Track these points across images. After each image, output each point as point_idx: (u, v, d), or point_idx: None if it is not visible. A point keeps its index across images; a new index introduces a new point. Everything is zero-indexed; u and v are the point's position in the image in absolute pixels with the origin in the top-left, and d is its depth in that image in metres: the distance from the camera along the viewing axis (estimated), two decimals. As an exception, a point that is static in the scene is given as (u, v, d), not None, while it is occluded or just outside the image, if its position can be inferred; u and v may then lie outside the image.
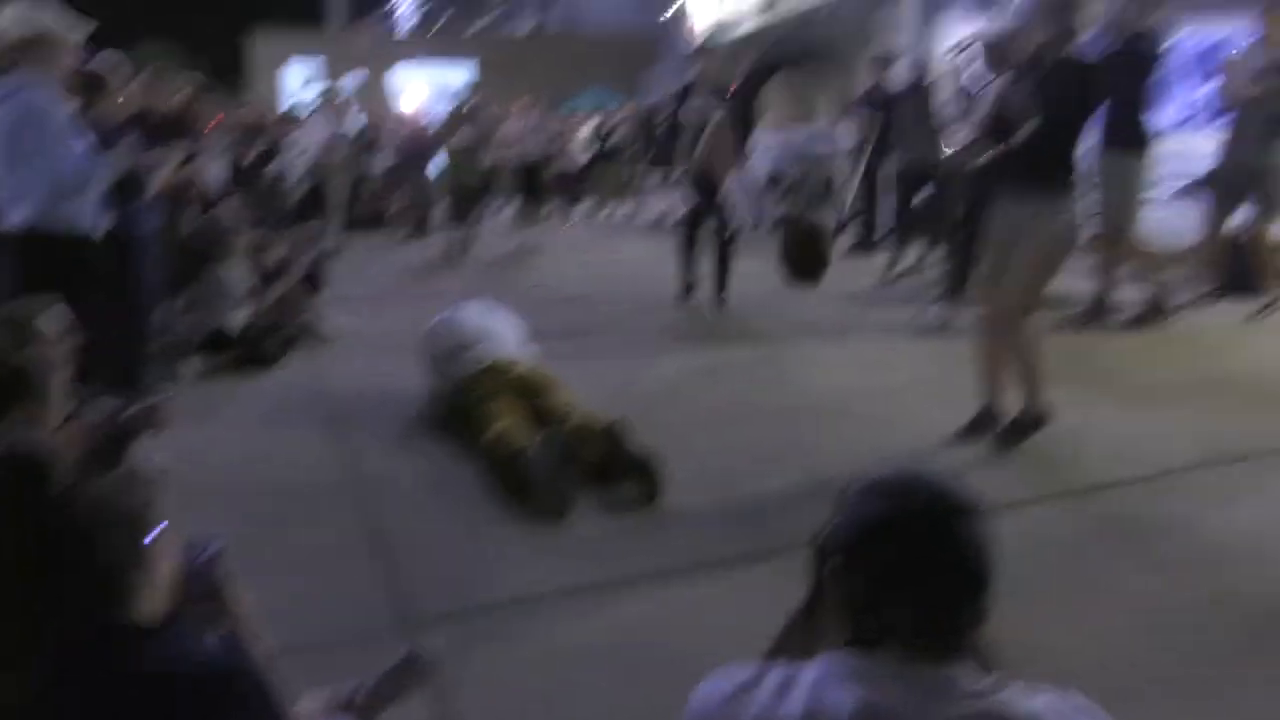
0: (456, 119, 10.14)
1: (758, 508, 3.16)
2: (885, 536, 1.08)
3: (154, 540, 1.38)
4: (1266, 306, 5.91)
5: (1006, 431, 3.55)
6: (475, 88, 10.43)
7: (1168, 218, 7.77)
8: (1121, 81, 5.29)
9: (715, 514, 3.09)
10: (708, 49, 7.40)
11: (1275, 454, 3.52)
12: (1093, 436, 3.34)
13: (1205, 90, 12.70)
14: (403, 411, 4.20)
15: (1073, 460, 3.44)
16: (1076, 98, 3.48)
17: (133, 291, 4.18)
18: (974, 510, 1.10)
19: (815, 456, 3.63)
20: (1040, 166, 3.47)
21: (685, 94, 6.98)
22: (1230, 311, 6.00)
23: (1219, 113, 6.45)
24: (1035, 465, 3.49)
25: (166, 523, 1.41)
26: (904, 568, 1.06)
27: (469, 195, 9.74)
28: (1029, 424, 3.53)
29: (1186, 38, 12.16)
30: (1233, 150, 5.96)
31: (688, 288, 6.90)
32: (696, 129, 6.75)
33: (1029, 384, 3.54)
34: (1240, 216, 6.15)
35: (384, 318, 6.37)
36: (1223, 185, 6.11)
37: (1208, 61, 11.84)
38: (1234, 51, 6.28)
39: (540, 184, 10.87)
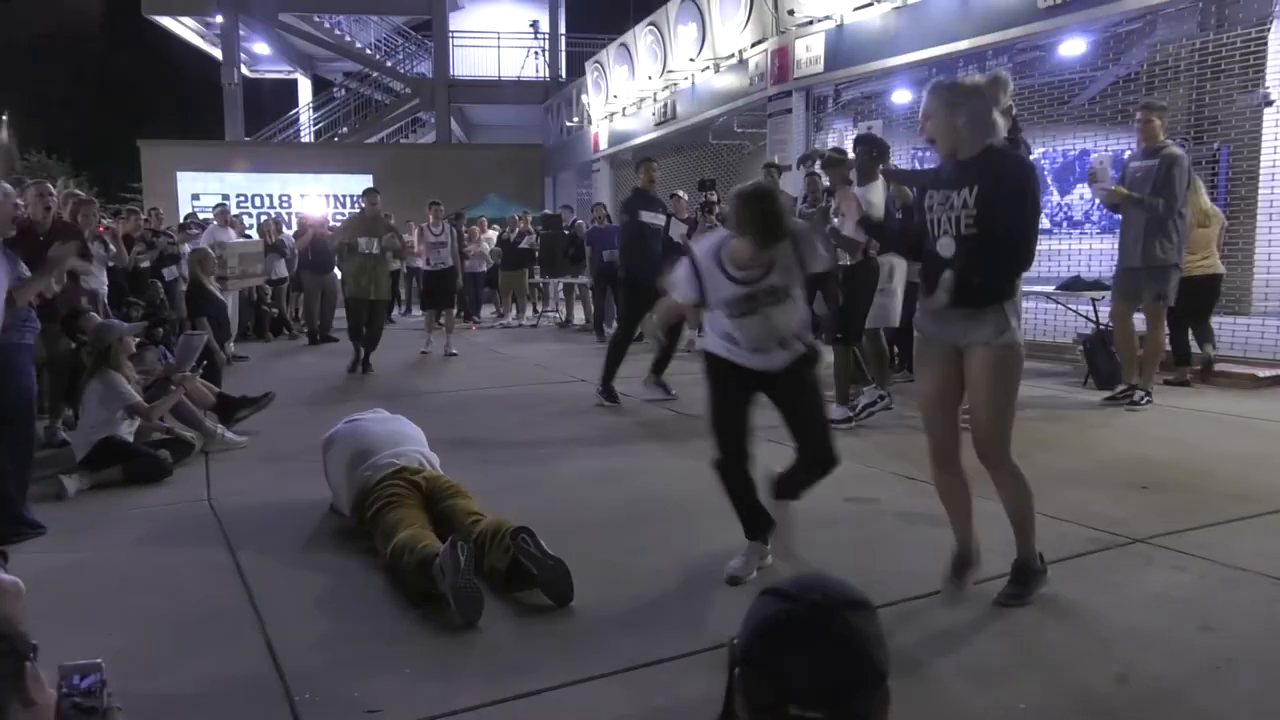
0: (357, 224, 9.44)
1: (668, 608, 3.13)
2: (779, 637, 1.10)
3: (31, 664, 1.29)
4: (1124, 393, 6.26)
5: (1015, 592, 3.06)
6: (373, 193, 9.46)
7: (1043, 315, 8.24)
8: None
9: (626, 617, 3.05)
10: (646, 159, 7.88)
11: (1155, 538, 3.68)
12: (998, 521, 3.41)
13: (1067, 199, 13.68)
14: (302, 524, 4.08)
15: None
16: (1034, 198, 2.98)
17: (11, 404, 3.99)
18: (866, 606, 1.13)
19: (724, 554, 3.63)
20: (995, 278, 2.97)
21: (635, 202, 7.40)
22: (1095, 400, 6.36)
23: (1106, 215, 6.88)
24: (928, 558, 3.57)
25: (38, 645, 1.33)
26: (799, 667, 1.07)
27: (371, 302, 9.19)
28: (1037, 571, 3.11)
29: (1045, 154, 13.16)
30: (1121, 250, 6.35)
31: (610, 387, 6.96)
32: (653, 234, 7.22)
33: (1027, 528, 3.11)
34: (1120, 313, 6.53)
35: (282, 427, 6.20)
36: (1119, 284, 6.48)
37: (1064, 175, 12.76)
38: (1096, 157, 6.75)
39: (446, 290, 10.82)
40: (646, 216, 7.32)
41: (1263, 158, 8.77)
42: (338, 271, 11.02)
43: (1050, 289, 7.93)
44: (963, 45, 10.07)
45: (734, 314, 3.30)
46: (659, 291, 3.78)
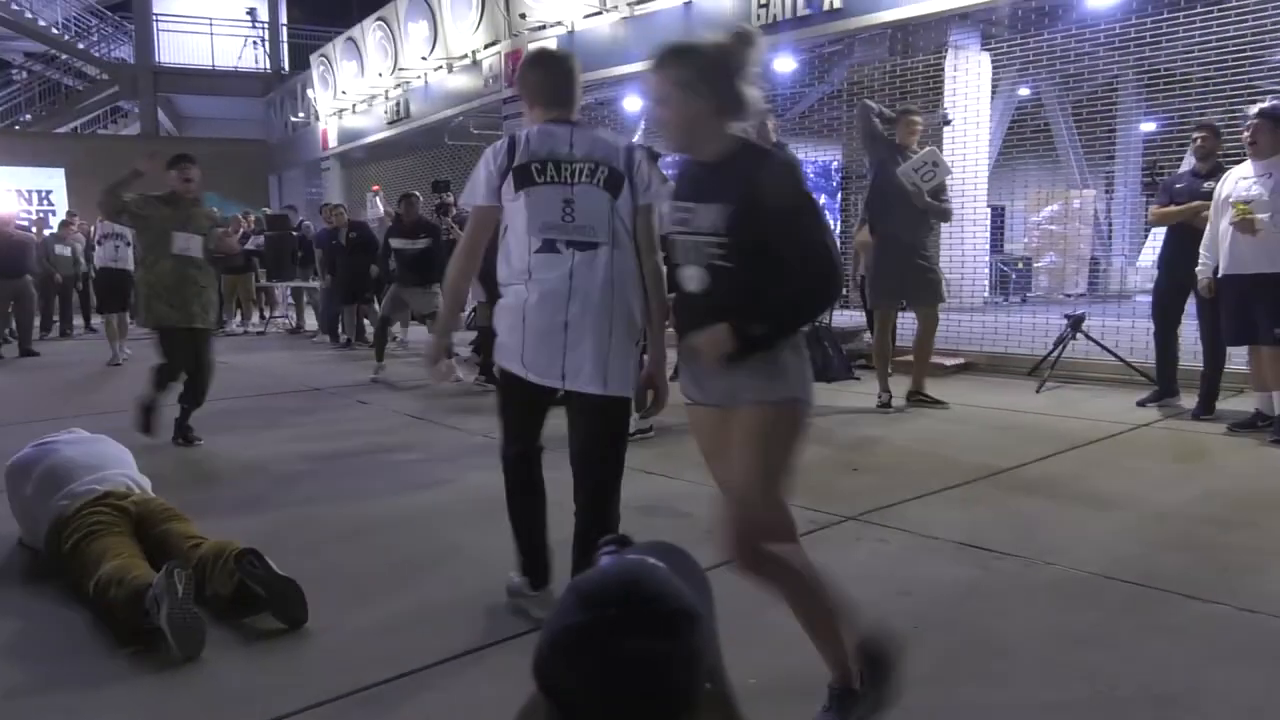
0: (155, 210, 5.96)
1: (414, 620, 3.04)
2: (564, 653, 0.98)
3: None
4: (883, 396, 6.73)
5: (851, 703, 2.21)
6: (188, 164, 5.86)
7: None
8: None
9: (367, 634, 2.94)
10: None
11: (863, 515, 4.05)
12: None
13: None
14: (-18, 563, 3.58)
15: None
16: (812, 207, 2.18)
17: None
18: (680, 618, 1.00)
19: (471, 558, 3.59)
20: (781, 320, 2.14)
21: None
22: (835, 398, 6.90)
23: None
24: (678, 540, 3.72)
25: None
26: (583, 691, 0.96)
27: (194, 331, 5.78)
28: (860, 693, 2.21)
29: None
30: (897, 248, 6.50)
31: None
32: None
33: (828, 631, 2.23)
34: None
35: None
36: (891, 285, 6.63)
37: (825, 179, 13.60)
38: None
39: (125, 291, 9.98)
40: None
41: (943, 171, 9.87)
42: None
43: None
44: (687, 57, 10.57)
45: None
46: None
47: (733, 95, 2.12)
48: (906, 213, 6.39)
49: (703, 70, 2.13)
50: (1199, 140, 6.17)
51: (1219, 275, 5.63)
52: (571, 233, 2.74)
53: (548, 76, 2.93)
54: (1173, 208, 6.17)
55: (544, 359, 2.75)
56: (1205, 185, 5.98)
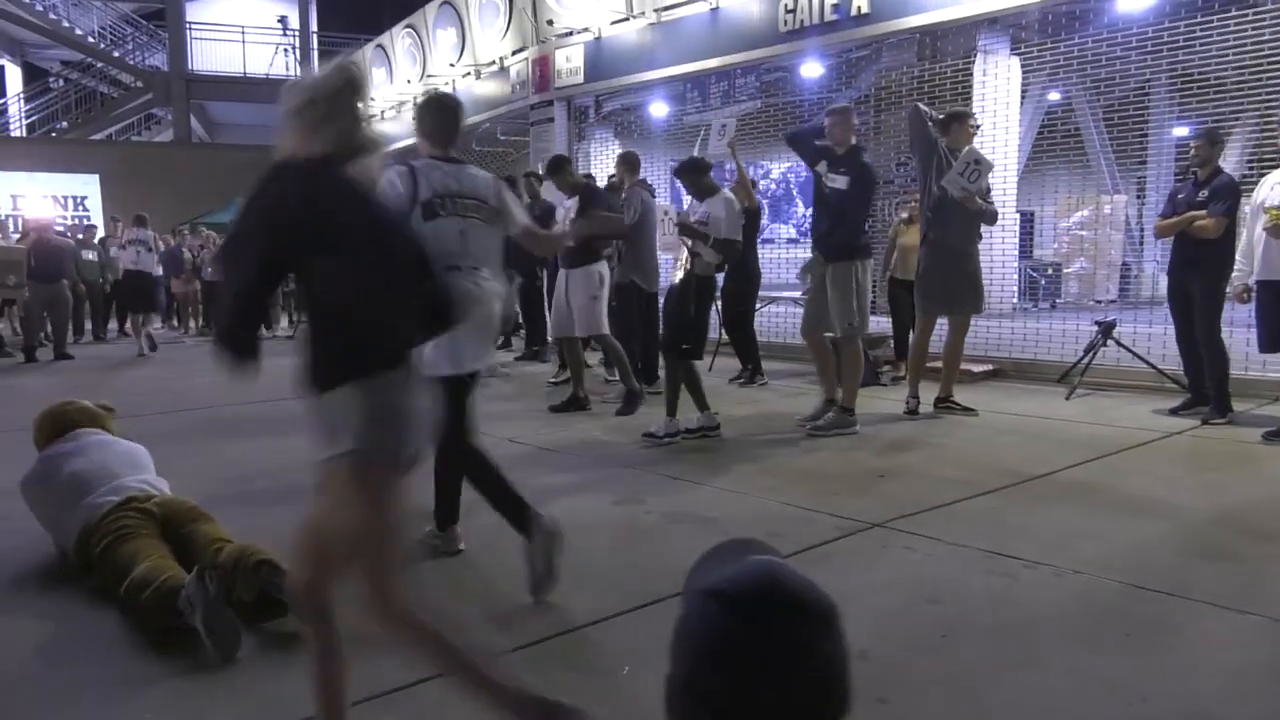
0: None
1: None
2: (734, 662, 0.93)
3: None
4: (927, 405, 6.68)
5: None
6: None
7: (784, 319, 8.73)
8: (851, 194, 5.76)
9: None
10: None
11: (890, 522, 4.02)
12: (757, 516, 3.61)
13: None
14: (11, 568, 3.62)
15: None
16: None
17: None
18: (834, 614, 0.96)
19: (494, 564, 3.60)
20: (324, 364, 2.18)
21: None
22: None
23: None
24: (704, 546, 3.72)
25: None
26: (760, 703, 0.91)
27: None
28: None
29: (790, 169, 14.00)
30: (945, 255, 6.39)
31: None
32: None
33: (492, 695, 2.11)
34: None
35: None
36: (936, 293, 6.51)
37: (808, 188, 13.68)
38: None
39: (148, 293, 10.24)
40: None
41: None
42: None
43: (799, 294, 8.48)
44: (713, 63, 10.60)
45: None
46: None
47: (330, 127, 2.17)
48: (962, 218, 6.32)
49: (301, 104, 2.17)
50: (1194, 149, 6.13)
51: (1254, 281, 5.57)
52: (465, 259, 3.29)
53: (448, 119, 3.45)
54: (1173, 219, 6.12)
55: (478, 347, 3.40)
56: (1200, 194, 5.95)
